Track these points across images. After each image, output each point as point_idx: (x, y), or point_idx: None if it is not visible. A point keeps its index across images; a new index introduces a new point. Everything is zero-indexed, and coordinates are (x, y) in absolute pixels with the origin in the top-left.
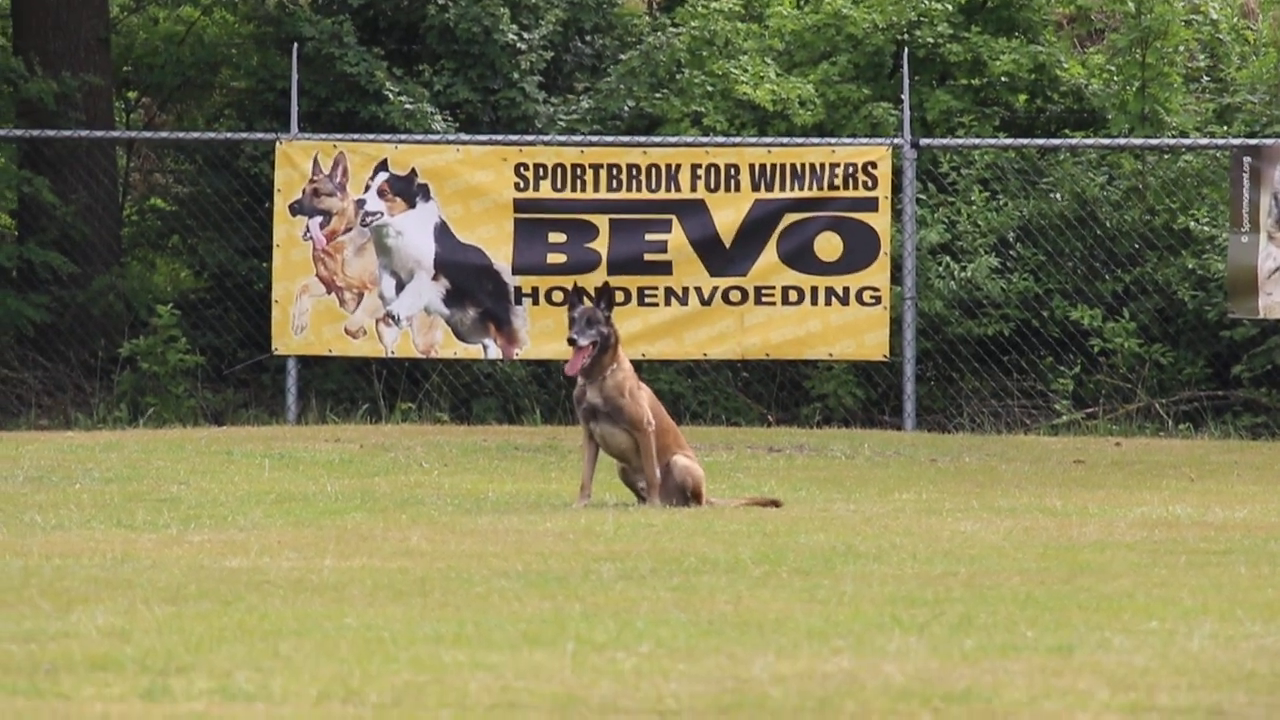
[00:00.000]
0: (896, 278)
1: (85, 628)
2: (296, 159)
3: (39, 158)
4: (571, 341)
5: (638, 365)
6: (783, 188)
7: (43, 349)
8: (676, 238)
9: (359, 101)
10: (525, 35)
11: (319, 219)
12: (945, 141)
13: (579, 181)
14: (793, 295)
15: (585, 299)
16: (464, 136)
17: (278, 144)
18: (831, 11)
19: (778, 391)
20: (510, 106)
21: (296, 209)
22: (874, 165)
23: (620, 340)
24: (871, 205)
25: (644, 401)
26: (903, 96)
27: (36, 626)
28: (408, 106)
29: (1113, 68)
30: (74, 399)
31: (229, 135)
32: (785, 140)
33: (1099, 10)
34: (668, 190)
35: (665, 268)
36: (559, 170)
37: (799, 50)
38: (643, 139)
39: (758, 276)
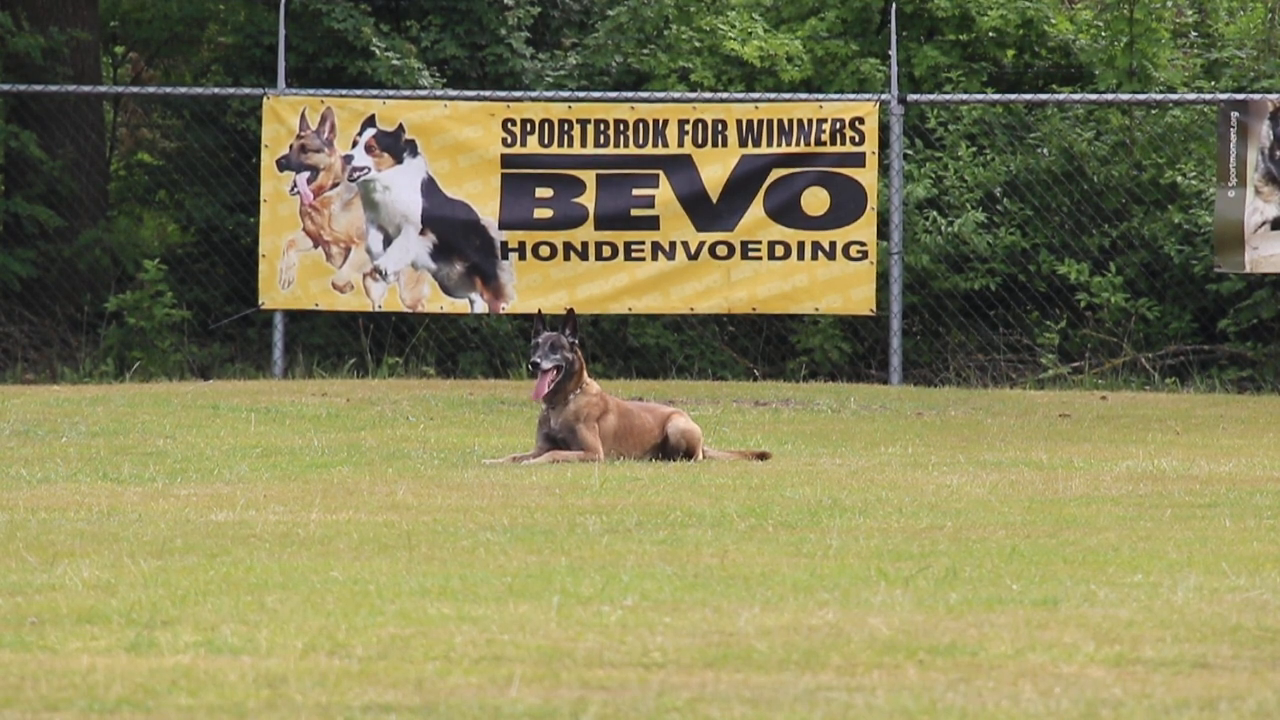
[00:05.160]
0: (883, 233)
1: (71, 581)
2: (284, 114)
3: (26, 112)
4: (535, 365)
5: (623, 320)
6: (770, 143)
7: (29, 303)
8: (664, 193)
9: (346, 57)
10: None
11: (306, 174)
12: (932, 97)
13: (566, 137)
14: (779, 250)
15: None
16: (451, 92)
17: (265, 99)
18: None
19: (764, 346)
20: (498, 62)
21: (284, 164)
22: (861, 121)
23: (585, 365)
24: (858, 161)
25: (598, 431)
26: (890, 52)
27: (22, 580)
28: (395, 63)
29: (1101, 23)
30: (60, 353)
31: (216, 90)
32: (772, 96)
33: None
34: (655, 146)
35: (652, 223)
36: (546, 126)
37: (786, 6)
38: (630, 95)
39: (744, 231)
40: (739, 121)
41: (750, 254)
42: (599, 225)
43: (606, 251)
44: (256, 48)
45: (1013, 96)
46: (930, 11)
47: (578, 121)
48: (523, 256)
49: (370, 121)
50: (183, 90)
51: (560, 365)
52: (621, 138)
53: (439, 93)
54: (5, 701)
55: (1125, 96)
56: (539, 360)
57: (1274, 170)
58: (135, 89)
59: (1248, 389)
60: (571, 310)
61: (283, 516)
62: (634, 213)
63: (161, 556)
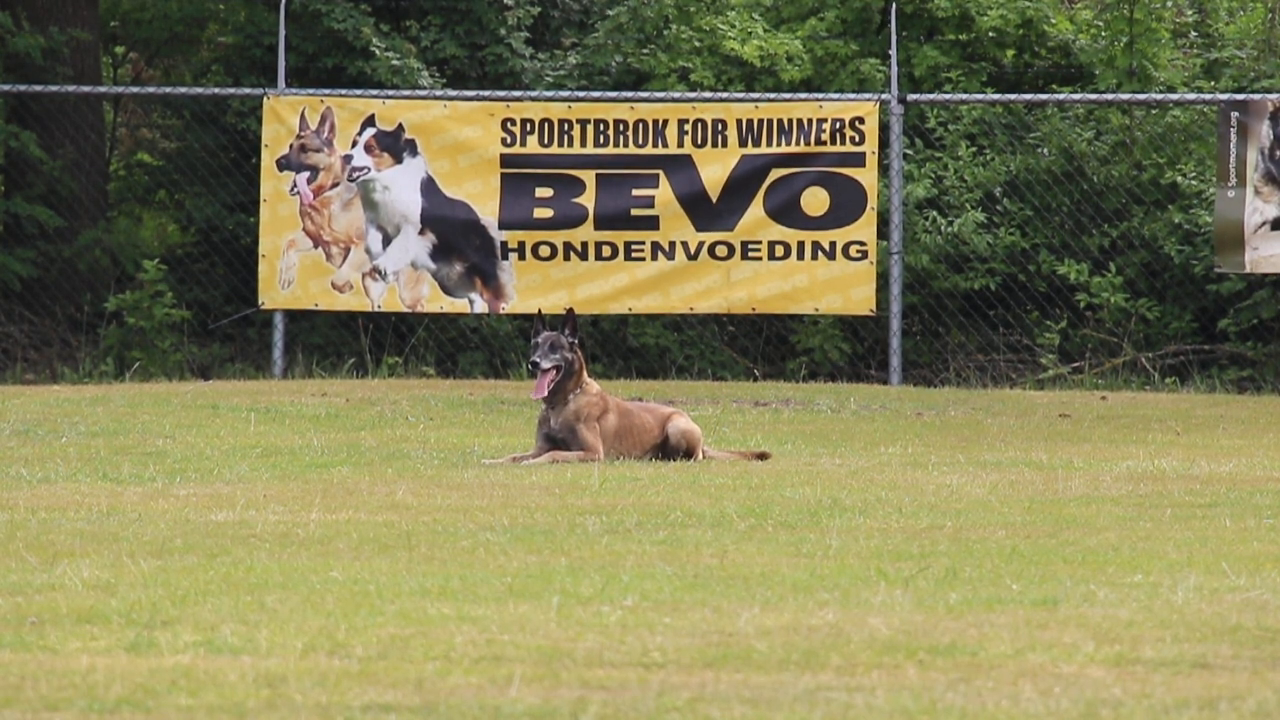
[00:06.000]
0: (883, 233)
1: (71, 581)
2: (284, 114)
3: (26, 112)
4: (535, 365)
5: (623, 320)
6: (770, 143)
7: (29, 303)
8: (663, 193)
9: (346, 57)
10: None
11: (306, 174)
12: (932, 97)
13: (566, 137)
14: (779, 250)
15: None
16: (451, 92)
17: (265, 99)
18: None
19: (764, 346)
20: (497, 62)
21: (284, 164)
22: (861, 121)
23: (585, 365)
24: (858, 160)
25: (598, 431)
26: (890, 52)
27: (22, 580)
28: (395, 63)
29: (1100, 23)
30: (60, 353)
31: (216, 90)
32: (772, 96)
33: None
34: (655, 146)
35: (652, 223)
36: (546, 125)
37: (786, 6)
38: (630, 95)
39: (744, 231)
40: (739, 121)
41: (750, 254)
42: (599, 225)
43: (606, 251)
44: (256, 48)
45: (1013, 96)
46: (930, 11)
47: (577, 121)
48: (522, 256)
49: (370, 121)
50: (183, 90)
51: (560, 365)
52: (621, 138)
53: (439, 93)
54: (5, 701)
55: (1125, 96)
56: (539, 360)
57: (1274, 170)
58: (135, 89)
59: (1248, 389)
60: (571, 310)
61: (283, 516)
62: (634, 213)
63: (161, 556)
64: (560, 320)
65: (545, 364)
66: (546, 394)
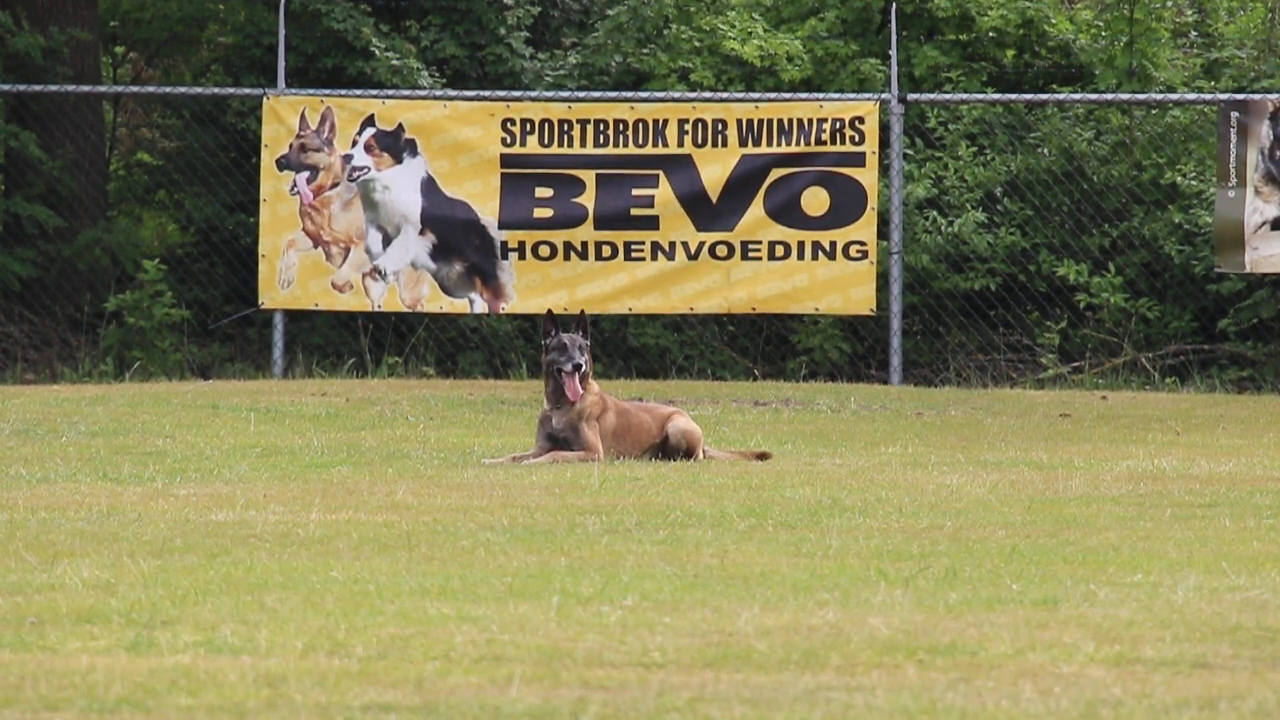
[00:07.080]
0: (883, 233)
1: (71, 581)
2: (284, 114)
3: (26, 112)
4: (577, 367)
5: (623, 320)
6: (770, 143)
7: (29, 303)
8: (663, 193)
9: (346, 57)
10: None
11: (306, 174)
12: (933, 97)
13: (566, 137)
14: (779, 250)
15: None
16: (451, 92)
17: (265, 99)
18: None
19: (764, 346)
20: (497, 62)
21: (284, 164)
22: (861, 120)
23: (592, 367)
24: (859, 160)
25: (599, 430)
26: (890, 52)
27: (22, 579)
28: (395, 63)
29: (1101, 23)
30: (60, 353)
31: (216, 90)
32: (772, 96)
33: None
34: (655, 146)
35: (652, 223)
36: (546, 125)
37: (786, 6)
38: (630, 94)
39: (744, 231)
40: (739, 121)
41: (750, 254)
42: (599, 225)
43: (606, 251)
44: (256, 48)
45: (1013, 96)
46: (930, 11)
47: (577, 121)
48: (522, 256)
49: (370, 121)
50: (183, 90)
51: (584, 365)
52: (621, 138)
53: (439, 93)
54: (5, 701)
55: (1125, 96)
56: (581, 362)
57: (1274, 170)
58: (135, 89)
59: (1248, 389)
60: (584, 312)
61: (282, 516)
62: (634, 213)
63: (161, 556)
64: (574, 321)
65: (580, 361)
66: (551, 393)
